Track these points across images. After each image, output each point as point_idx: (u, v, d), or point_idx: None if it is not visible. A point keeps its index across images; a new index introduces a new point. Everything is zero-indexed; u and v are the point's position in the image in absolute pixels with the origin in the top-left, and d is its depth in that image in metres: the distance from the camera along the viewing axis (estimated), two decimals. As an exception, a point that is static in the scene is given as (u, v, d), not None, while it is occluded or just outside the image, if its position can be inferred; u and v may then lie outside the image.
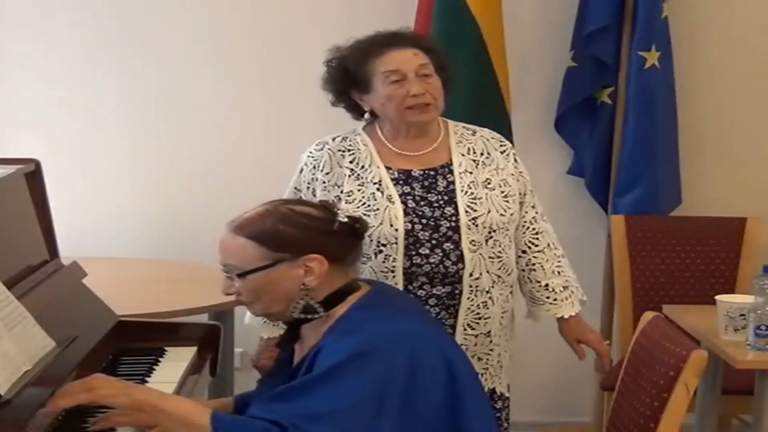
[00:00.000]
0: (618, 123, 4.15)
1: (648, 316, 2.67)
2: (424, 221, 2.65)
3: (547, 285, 2.81)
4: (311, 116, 4.09)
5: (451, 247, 2.64)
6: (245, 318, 2.81)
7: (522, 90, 4.17)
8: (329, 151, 2.72)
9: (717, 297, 3.22)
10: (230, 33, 4.26)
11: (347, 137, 2.76)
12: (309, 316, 2.15)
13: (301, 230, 2.12)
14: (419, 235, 2.64)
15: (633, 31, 4.08)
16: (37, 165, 2.66)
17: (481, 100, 3.86)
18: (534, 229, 2.80)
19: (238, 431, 2.01)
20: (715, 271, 4.00)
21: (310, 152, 2.75)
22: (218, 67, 4.27)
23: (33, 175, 2.65)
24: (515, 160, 2.80)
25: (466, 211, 2.66)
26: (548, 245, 2.81)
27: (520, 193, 2.76)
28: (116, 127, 4.30)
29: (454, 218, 2.65)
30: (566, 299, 2.82)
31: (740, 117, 4.33)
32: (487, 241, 2.67)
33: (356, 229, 2.20)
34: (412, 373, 2.01)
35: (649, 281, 4.00)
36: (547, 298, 2.81)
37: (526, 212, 2.79)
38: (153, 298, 3.39)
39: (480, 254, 2.66)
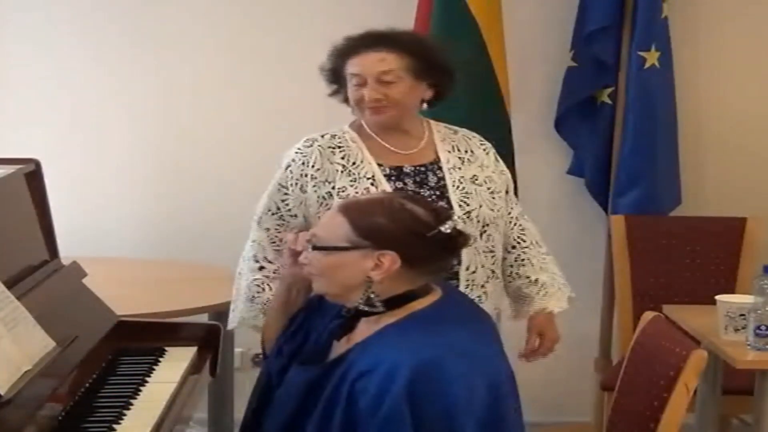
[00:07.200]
0: (618, 123, 4.15)
1: (648, 316, 2.67)
2: None
3: (537, 280, 2.82)
4: (311, 116, 4.09)
5: None
6: (229, 323, 2.81)
7: (522, 90, 4.16)
8: (319, 148, 2.72)
9: (717, 297, 3.21)
10: (230, 34, 4.26)
11: (336, 134, 2.76)
12: (368, 309, 2.13)
13: (395, 225, 2.11)
14: None
15: (633, 31, 4.07)
16: (37, 165, 2.66)
17: (481, 100, 3.86)
18: (521, 225, 2.84)
19: None
20: (715, 271, 3.99)
21: (298, 149, 2.75)
22: (218, 67, 4.27)
23: (33, 175, 2.65)
24: (495, 159, 2.82)
25: (460, 206, 2.67)
26: (533, 242, 2.85)
27: (504, 191, 2.79)
28: (116, 127, 4.30)
29: None
30: (554, 294, 2.83)
31: (740, 117, 4.32)
32: (481, 235, 2.69)
33: (453, 242, 2.16)
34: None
35: (649, 281, 3.99)
36: (537, 293, 2.82)
37: (512, 209, 2.83)
38: (153, 298, 3.38)
39: (475, 248, 2.67)
